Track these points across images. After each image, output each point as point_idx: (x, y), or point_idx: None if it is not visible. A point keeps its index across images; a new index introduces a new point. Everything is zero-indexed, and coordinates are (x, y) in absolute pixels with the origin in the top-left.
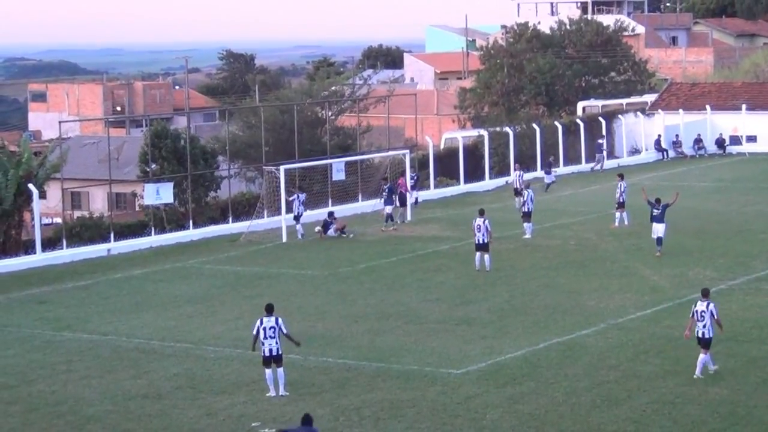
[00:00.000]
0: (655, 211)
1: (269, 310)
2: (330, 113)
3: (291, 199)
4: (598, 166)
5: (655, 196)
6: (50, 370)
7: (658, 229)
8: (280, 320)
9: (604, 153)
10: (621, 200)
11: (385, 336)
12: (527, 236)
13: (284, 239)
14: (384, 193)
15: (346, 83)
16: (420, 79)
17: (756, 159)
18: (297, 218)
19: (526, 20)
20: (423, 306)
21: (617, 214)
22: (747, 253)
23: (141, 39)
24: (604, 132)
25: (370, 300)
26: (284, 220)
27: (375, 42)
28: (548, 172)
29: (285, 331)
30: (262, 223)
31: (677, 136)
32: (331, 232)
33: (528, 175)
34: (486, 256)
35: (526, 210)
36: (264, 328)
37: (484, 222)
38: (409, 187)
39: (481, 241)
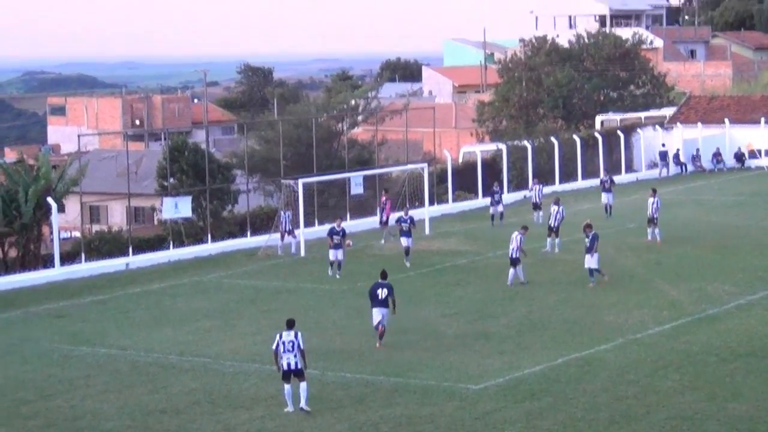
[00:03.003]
0: (586, 239)
1: (290, 324)
2: (346, 126)
3: (284, 215)
4: (664, 173)
5: (596, 220)
6: (68, 385)
7: (586, 260)
8: (299, 335)
9: (669, 160)
10: (653, 216)
11: (403, 351)
12: (548, 250)
13: (302, 253)
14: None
15: (361, 96)
16: (438, 92)
17: None
18: (287, 233)
19: (545, 33)
20: (441, 321)
21: (649, 229)
22: (766, 267)
23: (159, 52)
24: (665, 141)
25: (389, 315)
26: (302, 234)
27: (393, 55)
28: (607, 190)
29: (302, 346)
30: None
31: (697, 150)
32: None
33: (546, 189)
34: (518, 269)
35: (552, 224)
36: (283, 342)
37: (517, 236)
38: (388, 208)
39: (512, 256)
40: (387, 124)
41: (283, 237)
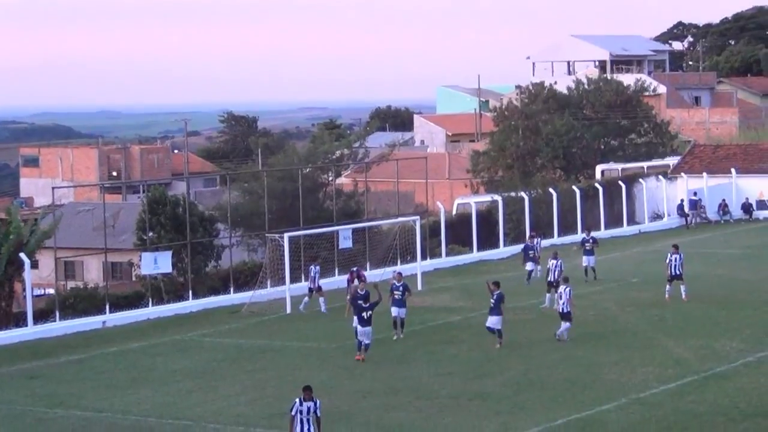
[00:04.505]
0: (491, 301)
1: (307, 391)
2: (332, 176)
3: (314, 269)
4: (699, 219)
5: (495, 279)
6: None
7: (491, 321)
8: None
9: (699, 208)
10: (676, 273)
11: (395, 412)
12: (547, 305)
13: (288, 310)
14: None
15: (347, 146)
16: (431, 141)
17: None
18: (317, 290)
19: (542, 80)
20: (434, 380)
21: (668, 287)
22: None
23: (138, 101)
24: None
25: (379, 374)
26: (288, 290)
27: (383, 103)
28: (589, 252)
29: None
30: (265, 293)
31: (699, 200)
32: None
33: (545, 242)
34: (566, 325)
35: (551, 279)
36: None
37: (565, 289)
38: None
39: (562, 310)
40: (377, 174)
41: (311, 294)
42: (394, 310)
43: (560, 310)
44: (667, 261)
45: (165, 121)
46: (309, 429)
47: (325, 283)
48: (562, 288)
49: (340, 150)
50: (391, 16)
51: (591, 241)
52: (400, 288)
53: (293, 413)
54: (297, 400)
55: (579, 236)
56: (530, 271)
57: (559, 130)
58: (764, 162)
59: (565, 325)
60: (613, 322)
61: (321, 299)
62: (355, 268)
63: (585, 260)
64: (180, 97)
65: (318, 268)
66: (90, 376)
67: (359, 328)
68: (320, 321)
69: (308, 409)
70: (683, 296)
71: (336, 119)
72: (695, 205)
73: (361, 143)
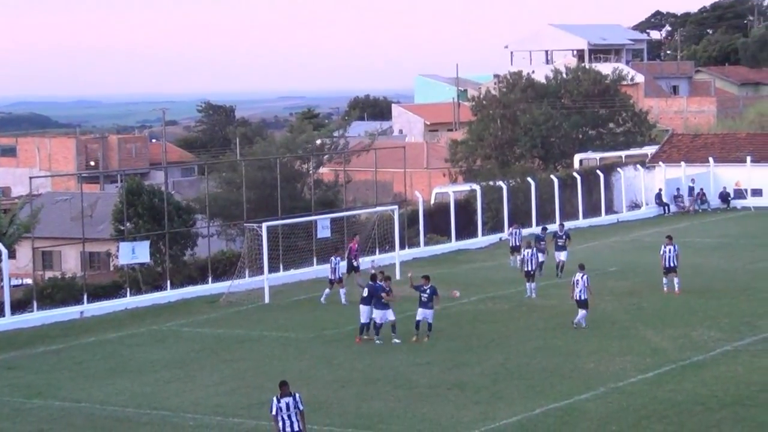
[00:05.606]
0: (423, 296)
1: (283, 387)
2: (311, 166)
3: (335, 261)
4: (695, 207)
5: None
6: None
7: (424, 314)
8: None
9: (695, 194)
10: (671, 265)
11: (373, 402)
12: (529, 295)
13: (267, 300)
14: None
15: (327, 135)
16: (409, 131)
17: (761, 213)
18: (338, 281)
19: (520, 69)
20: (413, 370)
21: (665, 279)
22: (753, 312)
23: (116, 90)
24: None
25: (357, 364)
26: (267, 280)
27: (362, 92)
28: (561, 247)
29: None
30: (244, 283)
31: (678, 189)
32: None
33: (523, 232)
34: (582, 312)
35: (528, 269)
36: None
37: (582, 277)
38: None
39: (579, 298)
40: (355, 163)
41: (332, 285)
42: (385, 314)
43: (577, 298)
44: (661, 253)
45: (143, 110)
46: (294, 425)
47: (303, 273)
48: (578, 275)
49: (320, 139)
50: (369, 5)
51: (564, 236)
52: (386, 289)
53: (273, 413)
54: (274, 398)
55: (552, 229)
56: (541, 262)
57: (538, 119)
58: (742, 151)
59: (582, 312)
60: (592, 312)
61: (341, 290)
62: (356, 236)
63: (557, 255)
64: (158, 86)
65: (339, 259)
66: (68, 366)
67: (360, 306)
68: (298, 311)
69: (287, 405)
70: (675, 289)
71: (314, 108)
72: (692, 191)
73: (342, 133)
